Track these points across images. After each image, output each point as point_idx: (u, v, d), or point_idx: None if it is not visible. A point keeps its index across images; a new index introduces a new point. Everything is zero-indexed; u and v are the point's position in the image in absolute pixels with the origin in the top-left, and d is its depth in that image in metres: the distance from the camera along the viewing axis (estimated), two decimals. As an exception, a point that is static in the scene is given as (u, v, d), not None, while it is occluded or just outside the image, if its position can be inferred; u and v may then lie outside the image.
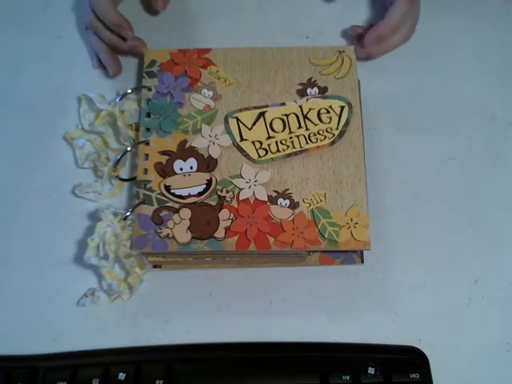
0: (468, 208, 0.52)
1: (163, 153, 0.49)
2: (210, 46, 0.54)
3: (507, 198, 0.52)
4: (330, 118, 0.50)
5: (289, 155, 0.49)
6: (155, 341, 0.47)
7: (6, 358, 0.47)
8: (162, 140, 0.50)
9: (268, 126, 0.50)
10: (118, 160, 0.51)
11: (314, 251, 0.49)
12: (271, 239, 0.46)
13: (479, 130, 0.55)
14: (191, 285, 0.49)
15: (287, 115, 0.50)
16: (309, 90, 0.51)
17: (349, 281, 0.49)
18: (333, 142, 0.49)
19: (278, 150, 0.49)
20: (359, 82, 0.52)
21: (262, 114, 0.50)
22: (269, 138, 0.49)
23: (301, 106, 0.50)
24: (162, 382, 0.44)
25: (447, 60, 0.58)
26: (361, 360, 0.45)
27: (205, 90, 0.51)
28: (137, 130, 0.52)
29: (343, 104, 0.50)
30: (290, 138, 0.49)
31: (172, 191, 0.48)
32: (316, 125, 0.50)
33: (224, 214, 0.47)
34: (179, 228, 0.46)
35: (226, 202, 0.47)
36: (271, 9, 0.60)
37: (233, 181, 0.48)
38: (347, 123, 0.50)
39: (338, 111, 0.50)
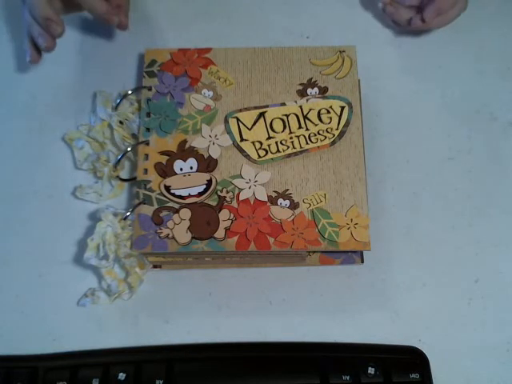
0: (468, 208, 0.52)
1: (163, 153, 0.49)
2: (210, 45, 0.54)
3: (507, 198, 0.52)
4: (330, 118, 0.50)
5: (289, 155, 0.49)
6: (155, 341, 0.47)
7: (6, 358, 0.47)
8: (162, 140, 0.50)
9: (268, 127, 0.50)
10: (119, 160, 0.51)
11: (314, 251, 0.49)
12: (271, 239, 0.46)
13: (479, 130, 0.55)
14: (191, 285, 0.49)
15: (287, 115, 0.50)
16: (309, 91, 0.51)
17: (349, 281, 0.50)
18: (333, 142, 0.49)
19: (278, 151, 0.49)
20: (359, 81, 0.52)
21: (262, 114, 0.50)
22: (269, 138, 0.49)
23: (301, 106, 0.50)
24: (161, 382, 0.45)
25: (447, 60, 0.58)
26: (361, 360, 0.45)
27: (205, 90, 0.51)
28: (135, 138, 0.52)
29: (343, 104, 0.50)
30: (290, 138, 0.49)
31: (172, 191, 0.48)
32: (316, 125, 0.50)
33: (224, 215, 0.47)
34: (179, 228, 0.46)
35: (226, 202, 0.47)
36: (271, 9, 0.60)
37: (233, 181, 0.48)
38: (347, 123, 0.50)
39: (339, 111, 0.50)
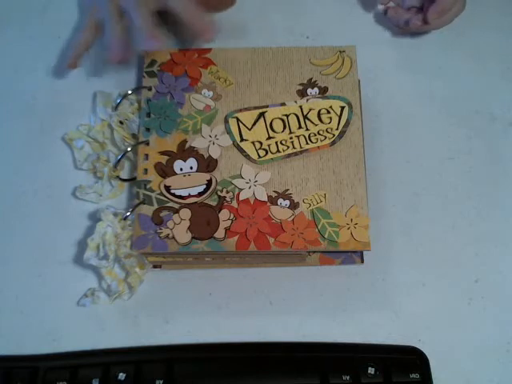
0: (468, 208, 0.52)
1: (163, 153, 0.49)
2: (210, 46, 0.54)
3: (507, 198, 0.53)
4: (331, 119, 0.50)
5: (289, 155, 0.49)
6: (155, 341, 0.47)
7: (6, 358, 0.47)
8: (162, 140, 0.50)
9: (268, 127, 0.50)
10: (119, 160, 0.51)
11: (314, 251, 0.49)
12: (271, 239, 0.46)
13: (479, 130, 0.55)
14: (191, 285, 0.49)
15: (287, 115, 0.50)
16: (309, 91, 0.51)
17: (349, 281, 0.50)
18: (333, 143, 0.49)
19: (278, 151, 0.49)
20: (359, 81, 0.52)
21: (262, 115, 0.50)
22: (269, 138, 0.49)
23: (301, 107, 0.50)
24: (161, 382, 0.44)
25: (447, 60, 0.58)
26: (361, 360, 0.45)
27: (205, 90, 0.51)
28: (135, 138, 0.52)
29: (343, 104, 0.50)
30: (290, 138, 0.49)
31: (172, 191, 0.48)
32: (316, 125, 0.50)
33: (224, 215, 0.47)
34: (179, 228, 0.46)
35: (226, 202, 0.47)
36: (271, 9, 0.60)
37: (233, 181, 0.48)
38: (347, 123, 0.50)
39: (339, 111, 0.50)
